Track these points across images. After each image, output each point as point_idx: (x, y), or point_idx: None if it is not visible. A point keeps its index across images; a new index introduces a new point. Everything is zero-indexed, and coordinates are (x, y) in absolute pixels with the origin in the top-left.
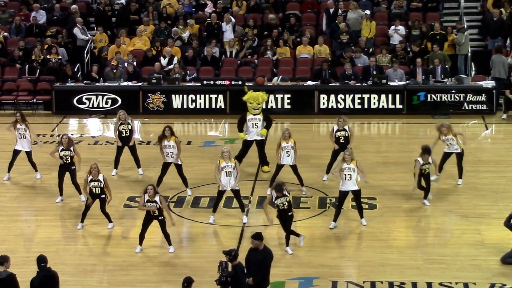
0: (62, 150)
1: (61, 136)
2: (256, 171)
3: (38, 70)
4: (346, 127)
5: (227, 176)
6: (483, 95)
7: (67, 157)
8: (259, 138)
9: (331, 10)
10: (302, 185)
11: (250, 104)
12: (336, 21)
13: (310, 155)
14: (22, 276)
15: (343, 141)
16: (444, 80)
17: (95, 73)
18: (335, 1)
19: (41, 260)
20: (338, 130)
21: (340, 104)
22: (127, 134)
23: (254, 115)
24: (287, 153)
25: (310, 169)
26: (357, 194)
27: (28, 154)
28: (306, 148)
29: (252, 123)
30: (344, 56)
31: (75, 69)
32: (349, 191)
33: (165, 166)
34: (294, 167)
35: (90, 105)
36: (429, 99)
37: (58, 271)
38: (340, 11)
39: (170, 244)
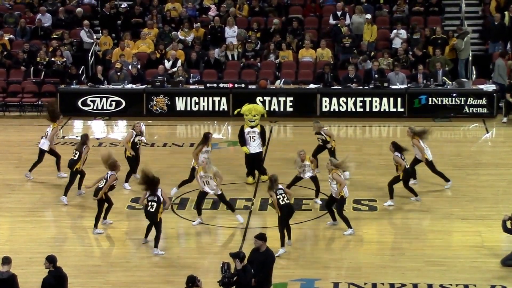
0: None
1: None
2: (258, 175)
3: (43, 72)
4: (322, 132)
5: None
6: (484, 98)
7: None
8: (257, 151)
9: (339, 13)
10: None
11: (246, 116)
12: (339, 25)
13: None
14: (25, 277)
15: (321, 144)
16: (445, 83)
17: (100, 73)
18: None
19: (52, 260)
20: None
21: (342, 107)
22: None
23: (251, 127)
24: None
25: None
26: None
27: None
28: (308, 151)
29: (250, 136)
30: (350, 62)
31: (80, 72)
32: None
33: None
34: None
35: (95, 107)
36: (430, 103)
37: None
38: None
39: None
